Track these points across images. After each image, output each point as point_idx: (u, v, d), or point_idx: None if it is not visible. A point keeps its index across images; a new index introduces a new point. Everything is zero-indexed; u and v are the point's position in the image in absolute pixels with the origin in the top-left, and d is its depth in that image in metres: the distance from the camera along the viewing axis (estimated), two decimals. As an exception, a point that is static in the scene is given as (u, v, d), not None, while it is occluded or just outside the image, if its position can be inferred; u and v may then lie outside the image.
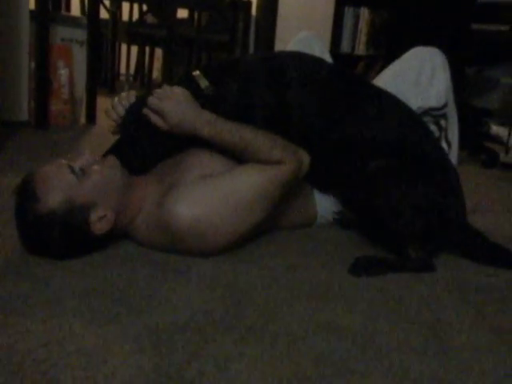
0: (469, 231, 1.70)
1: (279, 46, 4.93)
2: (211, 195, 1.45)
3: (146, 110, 1.54)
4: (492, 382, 1.06)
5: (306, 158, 1.59)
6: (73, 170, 1.40)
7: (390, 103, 1.74)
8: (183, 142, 1.59)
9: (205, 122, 1.53)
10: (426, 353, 1.14)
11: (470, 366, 1.11)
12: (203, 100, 1.59)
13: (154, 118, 1.53)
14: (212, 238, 1.46)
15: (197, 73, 1.65)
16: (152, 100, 1.53)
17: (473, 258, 1.67)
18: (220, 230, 1.45)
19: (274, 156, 1.52)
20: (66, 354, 1.03)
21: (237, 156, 1.56)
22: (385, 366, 1.08)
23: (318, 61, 1.79)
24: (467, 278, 1.56)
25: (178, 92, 1.55)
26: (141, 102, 1.57)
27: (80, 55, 3.48)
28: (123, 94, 1.65)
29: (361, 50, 4.59)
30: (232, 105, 1.63)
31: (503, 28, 3.42)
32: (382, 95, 1.75)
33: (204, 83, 1.62)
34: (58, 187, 1.37)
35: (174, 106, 1.52)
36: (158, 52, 6.22)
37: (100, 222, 1.40)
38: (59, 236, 1.37)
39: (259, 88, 1.64)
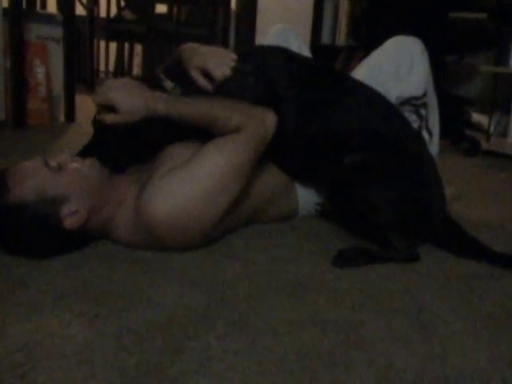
0: (446, 223, 1.70)
1: (260, 40, 4.92)
2: (179, 186, 1.42)
3: (98, 116, 1.50)
4: (477, 370, 1.05)
5: (270, 117, 1.56)
6: (47, 164, 1.39)
7: (366, 96, 1.73)
8: (156, 140, 1.57)
9: (157, 99, 1.49)
10: (410, 342, 1.14)
11: (455, 354, 1.10)
12: None
13: (108, 118, 1.48)
14: (191, 229, 1.44)
15: (161, 76, 1.61)
16: (94, 98, 1.48)
17: (449, 250, 1.67)
18: (196, 216, 1.43)
19: (232, 124, 1.49)
20: (44, 355, 1.01)
21: (198, 128, 1.52)
22: (369, 357, 1.07)
23: (294, 55, 1.78)
24: (450, 267, 1.56)
25: (119, 80, 1.52)
26: None
27: (57, 53, 3.45)
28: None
29: (341, 40, 4.59)
30: None
31: (481, 16, 3.42)
32: (358, 88, 1.74)
33: (169, 85, 1.59)
34: (30, 178, 1.35)
35: (121, 93, 1.47)
36: (138, 48, 6.19)
37: (71, 216, 1.38)
38: (30, 229, 1.35)
39: (231, 84, 1.62)
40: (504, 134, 3.57)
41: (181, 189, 1.42)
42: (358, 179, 1.59)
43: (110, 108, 1.48)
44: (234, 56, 1.63)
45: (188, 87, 1.60)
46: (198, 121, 1.50)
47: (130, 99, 1.47)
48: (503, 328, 1.23)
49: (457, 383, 1.01)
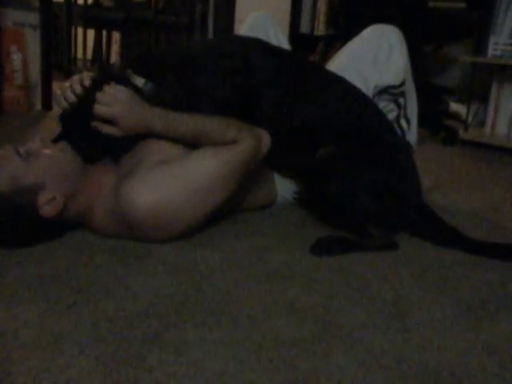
0: (424, 212, 1.70)
1: (238, 28, 4.89)
2: (168, 182, 1.41)
3: (95, 124, 1.47)
4: (453, 357, 1.06)
5: (265, 135, 1.57)
6: (18, 152, 1.37)
7: (340, 89, 1.72)
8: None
9: (156, 118, 1.49)
10: (387, 330, 1.14)
11: (432, 341, 1.11)
12: (146, 99, 1.53)
13: (106, 129, 1.47)
14: (170, 224, 1.44)
15: (128, 72, 1.56)
16: (99, 109, 1.45)
17: (427, 239, 1.67)
18: (178, 215, 1.43)
19: (229, 136, 1.49)
20: (20, 345, 1.00)
21: (194, 144, 1.52)
22: (347, 344, 1.08)
23: (270, 47, 1.76)
24: (428, 255, 1.57)
25: (123, 93, 1.48)
26: (93, 91, 1.50)
27: (33, 39, 3.41)
28: (75, 78, 1.55)
29: (320, 30, 4.57)
30: (175, 97, 1.58)
31: (460, 5, 3.43)
32: (333, 81, 1.74)
33: (140, 81, 1.55)
34: (2, 169, 1.34)
35: (124, 109, 1.46)
36: (116, 35, 6.12)
37: (48, 204, 1.36)
38: (7, 218, 1.33)
39: (205, 77, 1.61)
40: (482, 124, 3.58)
41: (168, 184, 1.41)
42: (332, 170, 1.60)
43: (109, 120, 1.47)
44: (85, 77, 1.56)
45: (160, 83, 1.57)
46: (195, 137, 1.51)
47: (133, 119, 1.47)
48: (481, 316, 1.24)
49: (435, 370, 1.02)
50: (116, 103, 1.45)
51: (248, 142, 1.51)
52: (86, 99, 1.49)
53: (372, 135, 1.66)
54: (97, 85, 1.50)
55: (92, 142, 1.51)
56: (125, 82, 1.53)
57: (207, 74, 1.61)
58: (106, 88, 1.47)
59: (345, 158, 1.60)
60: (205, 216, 1.49)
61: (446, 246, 1.62)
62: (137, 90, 1.53)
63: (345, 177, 1.58)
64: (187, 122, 1.50)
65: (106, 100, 1.46)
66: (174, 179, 1.42)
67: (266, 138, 1.57)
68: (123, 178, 1.44)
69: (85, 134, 1.50)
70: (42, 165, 1.38)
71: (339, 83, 1.73)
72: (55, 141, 1.49)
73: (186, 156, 1.48)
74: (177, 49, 1.70)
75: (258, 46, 1.72)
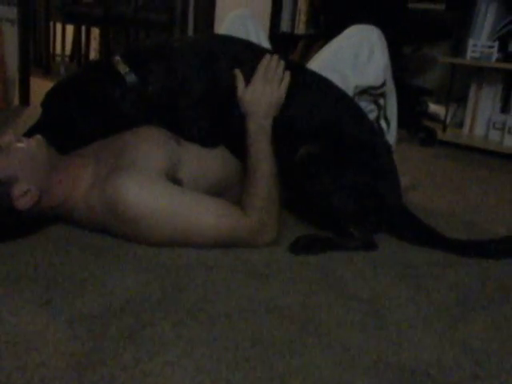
0: (402, 212, 1.70)
1: (219, 26, 4.88)
2: (162, 200, 1.40)
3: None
4: (429, 356, 1.07)
5: (271, 233, 1.51)
6: None
7: (321, 88, 1.72)
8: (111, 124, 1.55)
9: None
10: (365, 328, 1.14)
11: (408, 340, 1.12)
12: (124, 88, 1.53)
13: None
14: (145, 233, 1.42)
15: (117, 58, 1.57)
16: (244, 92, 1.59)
17: (405, 239, 1.68)
18: (155, 231, 1.42)
19: (254, 202, 1.48)
20: (-7, 343, 0.99)
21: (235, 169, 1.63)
22: (324, 343, 1.08)
23: (251, 46, 1.76)
24: (406, 255, 1.57)
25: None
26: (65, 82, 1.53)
27: (11, 34, 3.36)
28: None
29: (301, 29, 4.57)
30: (156, 91, 1.58)
31: (439, 7, 3.45)
32: (314, 80, 1.73)
33: (124, 69, 1.55)
34: None
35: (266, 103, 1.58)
36: (95, 32, 6.07)
37: (23, 196, 1.35)
38: None
39: (187, 73, 1.60)
40: (460, 125, 3.61)
41: (162, 203, 1.40)
42: (311, 170, 1.59)
43: None
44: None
45: (147, 73, 1.58)
46: (251, 164, 1.55)
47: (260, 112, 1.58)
48: (457, 315, 1.24)
49: (412, 369, 1.02)
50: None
51: (253, 223, 1.47)
52: (73, 82, 1.53)
53: (352, 136, 1.65)
54: (89, 68, 1.51)
55: (68, 132, 1.52)
56: (108, 67, 1.55)
57: (192, 69, 1.60)
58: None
59: (325, 157, 1.60)
60: (177, 242, 1.46)
61: (425, 245, 1.63)
62: (118, 77, 1.54)
63: (324, 176, 1.58)
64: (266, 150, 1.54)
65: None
66: (171, 204, 1.41)
67: (270, 235, 1.51)
68: (113, 170, 1.42)
69: (63, 124, 1.51)
70: (16, 158, 1.37)
71: (320, 82, 1.72)
72: (30, 131, 1.48)
73: (198, 193, 1.49)
74: (167, 43, 1.69)
75: (240, 44, 1.72)
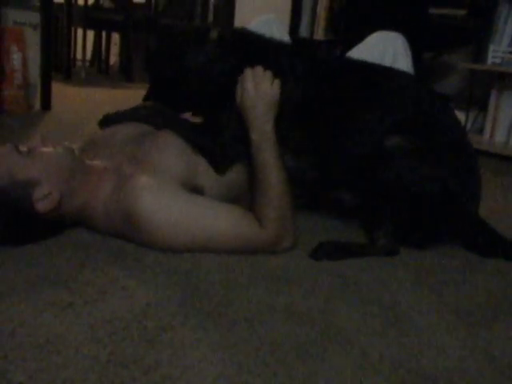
0: (475, 221, 1.64)
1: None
2: (183, 213, 1.41)
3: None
4: (451, 363, 1.06)
5: (289, 239, 1.51)
6: (17, 150, 1.38)
7: (406, 79, 1.70)
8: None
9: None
10: (385, 335, 1.14)
11: (429, 346, 1.11)
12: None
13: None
14: (161, 243, 1.42)
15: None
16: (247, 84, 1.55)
17: (477, 252, 1.63)
18: (172, 241, 1.42)
19: (268, 213, 1.47)
20: (17, 345, 0.99)
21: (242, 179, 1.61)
22: (345, 349, 1.07)
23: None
24: (426, 260, 1.57)
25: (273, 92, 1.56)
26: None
27: (33, 39, 3.40)
28: None
29: (319, 34, 4.58)
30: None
31: (460, 12, 3.44)
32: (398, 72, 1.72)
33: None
34: (0, 164, 1.35)
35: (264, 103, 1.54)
36: (115, 37, 6.13)
37: (44, 199, 1.37)
38: (3, 212, 1.34)
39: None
40: (481, 131, 3.59)
41: (178, 210, 1.40)
42: (401, 163, 1.51)
43: None
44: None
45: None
46: (258, 172, 1.53)
47: (258, 113, 1.55)
48: (478, 322, 1.23)
49: (433, 376, 1.01)
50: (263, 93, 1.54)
51: (270, 234, 1.47)
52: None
53: (437, 129, 1.58)
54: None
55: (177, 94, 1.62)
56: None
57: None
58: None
59: (411, 151, 1.52)
60: (191, 250, 1.46)
61: (499, 257, 1.60)
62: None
63: (414, 172, 1.51)
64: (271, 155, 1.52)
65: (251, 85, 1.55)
66: (186, 216, 1.41)
67: (286, 243, 1.51)
68: (133, 179, 1.43)
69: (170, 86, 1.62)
70: (40, 161, 1.39)
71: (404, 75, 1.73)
72: (146, 98, 1.64)
73: (216, 202, 1.49)
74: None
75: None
